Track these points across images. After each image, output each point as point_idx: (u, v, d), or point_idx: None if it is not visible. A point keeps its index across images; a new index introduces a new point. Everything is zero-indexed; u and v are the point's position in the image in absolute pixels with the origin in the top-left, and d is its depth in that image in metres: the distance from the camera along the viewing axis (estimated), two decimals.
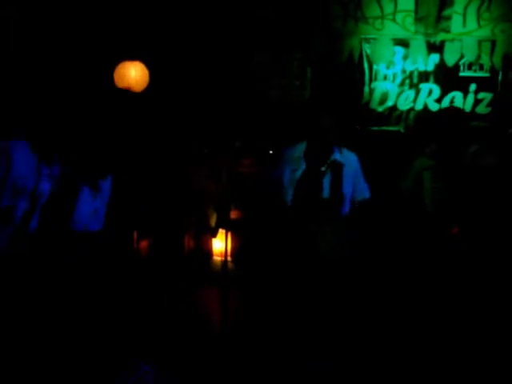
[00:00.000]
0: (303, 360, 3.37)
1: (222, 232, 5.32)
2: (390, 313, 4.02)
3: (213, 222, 5.55)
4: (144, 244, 5.33)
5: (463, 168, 4.11)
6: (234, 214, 5.25)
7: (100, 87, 3.53)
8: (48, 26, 4.95)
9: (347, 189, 3.57)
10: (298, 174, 3.55)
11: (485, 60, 5.48)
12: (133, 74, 4.98)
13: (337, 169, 3.53)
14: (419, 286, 4.16)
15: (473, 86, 5.52)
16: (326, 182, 3.52)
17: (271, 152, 4.73)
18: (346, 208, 3.62)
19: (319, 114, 3.56)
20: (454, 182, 4.13)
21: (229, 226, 4.95)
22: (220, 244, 5.45)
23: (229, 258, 5.17)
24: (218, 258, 5.52)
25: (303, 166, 3.55)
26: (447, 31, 5.48)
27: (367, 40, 5.59)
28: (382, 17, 5.56)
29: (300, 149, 3.62)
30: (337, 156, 3.56)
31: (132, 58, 5.11)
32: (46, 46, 4.95)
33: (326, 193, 3.50)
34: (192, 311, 4.47)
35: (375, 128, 5.67)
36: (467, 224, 4.09)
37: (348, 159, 3.60)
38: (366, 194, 3.70)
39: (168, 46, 5.40)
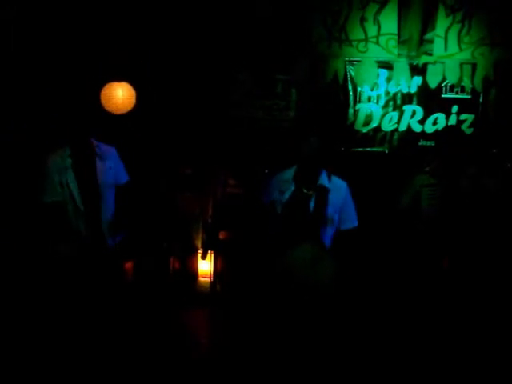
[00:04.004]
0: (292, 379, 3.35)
1: (209, 253, 5.29)
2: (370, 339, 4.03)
3: (198, 243, 5.53)
4: (129, 265, 5.28)
5: (462, 190, 4.17)
6: (222, 235, 5.23)
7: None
8: (46, 28, 4.96)
9: (332, 215, 3.57)
10: (286, 195, 3.56)
11: (466, 82, 5.59)
12: (120, 95, 4.97)
13: (322, 194, 3.54)
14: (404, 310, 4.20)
15: (455, 108, 5.61)
16: (312, 205, 3.53)
17: (266, 171, 4.72)
18: (330, 234, 3.61)
19: (306, 136, 3.57)
20: (450, 201, 4.18)
21: (217, 248, 4.93)
22: (206, 265, 5.42)
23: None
24: (203, 280, 5.49)
25: (292, 188, 3.56)
26: (429, 54, 5.58)
27: (351, 62, 5.67)
28: (366, 40, 5.65)
29: (290, 172, 3.63)
30: (324, 181, 3.57)
31: (119, 79, 5.11)
32: (45, 48, 4.95)
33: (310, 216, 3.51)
34: (178, 332, 4.43)
35: (360, 149, 5.72)
36: (457, 250, 4.13)
37: (336, 186, 3.60)
38: (355, 223, 3.70)
39: (156, 67, 5.41)
